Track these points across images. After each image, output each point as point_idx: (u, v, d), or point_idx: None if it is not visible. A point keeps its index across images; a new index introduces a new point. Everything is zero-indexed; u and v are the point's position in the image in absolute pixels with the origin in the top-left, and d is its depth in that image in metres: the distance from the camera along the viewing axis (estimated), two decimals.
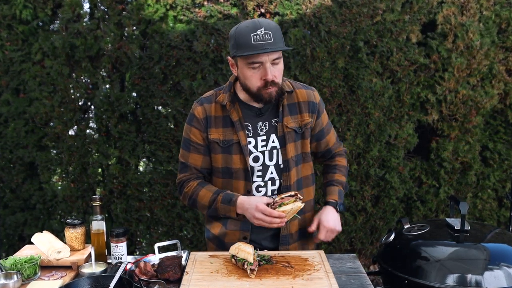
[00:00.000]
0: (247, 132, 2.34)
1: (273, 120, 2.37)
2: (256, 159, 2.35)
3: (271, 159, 2.36)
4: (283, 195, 2.20)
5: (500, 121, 4.32)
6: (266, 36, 2.12)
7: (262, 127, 2.36)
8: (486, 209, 4.40)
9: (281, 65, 2.24)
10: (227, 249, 2.29)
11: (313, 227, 2.41)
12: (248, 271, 2.07)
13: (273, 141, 2.36)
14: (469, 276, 2.22)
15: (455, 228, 2.46)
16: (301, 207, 2.18)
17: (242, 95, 2.35)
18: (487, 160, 4.36)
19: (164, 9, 4.03)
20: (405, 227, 2.60)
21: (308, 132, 2.42)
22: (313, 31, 4.02)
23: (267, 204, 2.19)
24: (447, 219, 2.60)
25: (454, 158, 4.25)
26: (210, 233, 2.54)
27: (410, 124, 4.21)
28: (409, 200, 4.38)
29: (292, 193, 2.20)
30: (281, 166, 2.37)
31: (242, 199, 2.27)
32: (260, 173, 2.37)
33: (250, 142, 2.34)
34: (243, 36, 2.15)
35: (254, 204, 2.20)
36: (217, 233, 2.49)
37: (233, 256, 2.18)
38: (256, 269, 2.10)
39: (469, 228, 2.45)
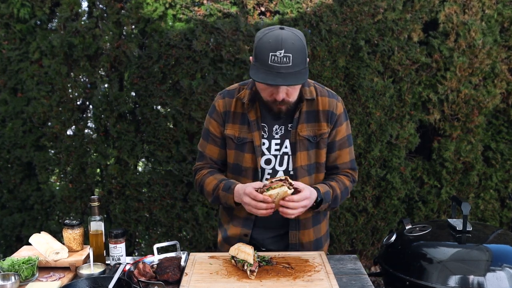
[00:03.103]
0: (262, 133, 2.33)
1: (289, 125, 2.34)
2: (268, 162, 2.35)
3: (281, 164, 2.35)
4: (273, 179, 2.15)
5: (502, 121, 4.30)
6: (285, 59, 2.04)
7: (278, 130, 2.35)
8: (488, 209, 4.39)
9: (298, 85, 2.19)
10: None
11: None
12: (248, 272, 2.07)
13: (286, 147, 2.35)
14: (471, 277, 2.21)
15: (457, 229, 2.46)
16: (288, 193, 2.10)
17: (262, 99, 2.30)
18: (490, 160, 4.34)
19: (163, 8, 4.01)
20: (407, 227, 2.60)
21: (324, 142, 2.36)
22: (313, 30, 4.00)
23: (258, 189, 2.16)
24: (449, 219, 2.60)
25: (456, 158, 4.24)
26: (222, 229, 2.55)
27: (412, 123, 4.20)
28: (411, 200, 4.37)
29: (283, 177, 2.15)
30: (291, 173, 2.35)
31: (238, 186, 2.26)
32: (269, 176, 2.36)
33: (264, 144, 2.33)
34: (262, 52, 2.08)
35: (244, 188, 2.19)
36: (226, 229, 2.50)
37: (233, 257, 2.17)
38: (256, 270, 2.10)
39: (471, 229, 2.44)
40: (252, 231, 2.43)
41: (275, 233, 2.45)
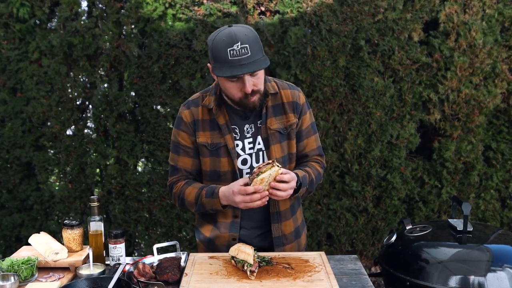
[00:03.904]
0: (234, 135, 2.35)
1: (258, 122, 2.37)
2: (244, 162, 2.37)
3: (257, 161, 2.37)
4: (260, 165, 2.16)
5: (503, 121, 4.29)
6: (243, 51, 2.10)
7: (249, 129, 2.37)
8: (489, 209, 4.38)
9: (260, 73, 2.22)
10: (217, 252, 2.36)
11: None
12: (248, 273, 2.07)
13: (259, 143, 2.37)
14: (471, 277, 2.20)
15: (458, 229, 2.45)
16: (279, 171, 2.12)
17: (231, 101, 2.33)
18: (490, 160, 4.33)
19: (163, 7, 4.01)
20: (407, 228, 2.59)
21: (294, 133, 2.41)
22: (314, 30, 3.99)
23: (245, 184, 2.17)
24: (449, 220, 2.59)
25: (456, 158, 4.23)
26: (201, 235, 2.55)
27: (412, 123, 4.19)
28: (411, 200, 4.36)
29: (269, 161, 2.16)
30: None
31: (222, 190, 2.26)
32: (248, 176, 2.35)
33: (237, 145, 2.36)
34: (219, 50, 2.13)
35: (231, 190, 2.20)
36: (208, 235, 2.50)
37: (232, 257, 2.17)
38: (256, 270, 2.09)
39: (471, 229, 2.43)
40: (239, 235, 2.44)
41: (261, 231, 2.47)
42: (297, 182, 2.25)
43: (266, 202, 2.18)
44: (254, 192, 2.12)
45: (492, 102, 4.15)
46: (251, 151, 2.37)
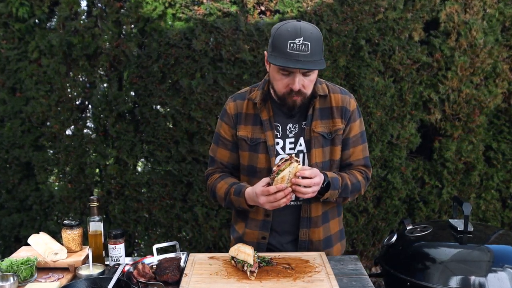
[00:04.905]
0: (276, 133, 2.32)
1: (303, 123, 2.33)
2: None
3: None
4: (279, 163, 2.13)
5: (504, 121, 4.29)
6: (303, 47, 2.06)
7: (292, 129, 2.33)
8: (489, 210, 4.37)
9: (313, 76, 2.20)
10: None
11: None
12: (248, 273, 2.07)
13: (300, 145, 2.33)
14: (472, 278, 2.20)
15: (458, 229, 2.45)
16: (298, 167, 2.09)
17: (275, 94, 2.29)
18: (491, 160, 4.33)
19: (162, 7, 4.00)
20: (408, 228, 2.60)
21: (339, 139, 2.35)
22: None
23: (268, 184, 2.15)
24: (450, 220, 2.59)
25: (457, 158, 4.22)
26: (235, 233, 2.54)
27: (413, 123, 4.18)
28: (412, 201, 4.35)
29: (287, 156, 2.13)
30: None
31: (248, 191, 2.25)
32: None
33: (278, 143, 2.33)
34: (280, 40, 2.10)
35: (254, 192, 2.18)
36: (240, 233, 2.49)
37: (232, 257, 2.17)
38: (256, 271, 2.09)
39: (472, 229, 2.43)
40: (270, 236, 2.41)
41: (293, 237, 2.43)
42: (324, 182, 2.21)
43: (292, 199, 2.16)
44: (278, 191, 2.09)
45: (492, 102, 4.15)
46: (291, 151, 2.32)
